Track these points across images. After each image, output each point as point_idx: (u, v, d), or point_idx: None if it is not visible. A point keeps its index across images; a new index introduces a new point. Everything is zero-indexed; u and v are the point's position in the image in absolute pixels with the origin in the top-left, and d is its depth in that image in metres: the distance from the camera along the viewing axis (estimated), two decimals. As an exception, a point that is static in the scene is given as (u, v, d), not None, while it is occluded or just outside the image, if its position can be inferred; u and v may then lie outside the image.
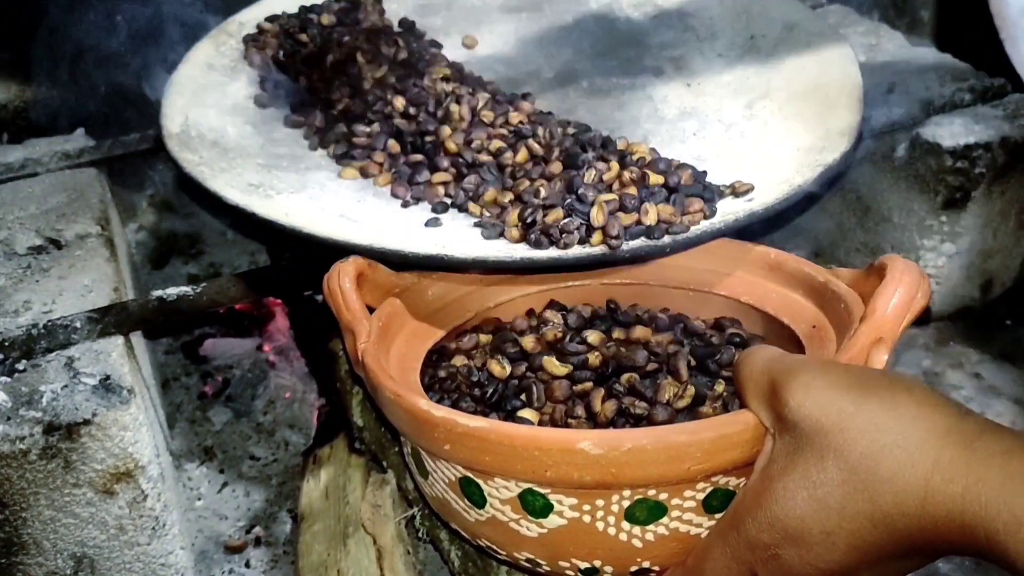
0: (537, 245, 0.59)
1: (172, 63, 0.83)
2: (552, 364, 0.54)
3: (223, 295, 0.65)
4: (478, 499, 0.49)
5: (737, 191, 0.63)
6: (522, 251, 0.59)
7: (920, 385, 0.41)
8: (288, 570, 0.68)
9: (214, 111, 0.77)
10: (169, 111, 0.75)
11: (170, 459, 0.71)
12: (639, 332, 0.58)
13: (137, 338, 0.69)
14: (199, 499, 0.74)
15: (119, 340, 0.61)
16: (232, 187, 0.66)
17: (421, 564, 0.65)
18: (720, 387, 0.53)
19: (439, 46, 0.86)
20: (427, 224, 0.64)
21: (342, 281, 0.57)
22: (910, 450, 0.38)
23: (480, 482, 0.48)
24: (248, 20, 0.88)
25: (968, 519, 0.37)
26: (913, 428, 0.39)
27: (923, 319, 0.85)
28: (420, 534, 0.64)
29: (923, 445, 0.38)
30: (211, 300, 0.65)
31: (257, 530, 0.71)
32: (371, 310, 0.59)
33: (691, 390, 0.52)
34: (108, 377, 0.58)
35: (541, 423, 0.52)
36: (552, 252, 0.59)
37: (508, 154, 0.67)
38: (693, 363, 0.55)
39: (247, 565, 0.69)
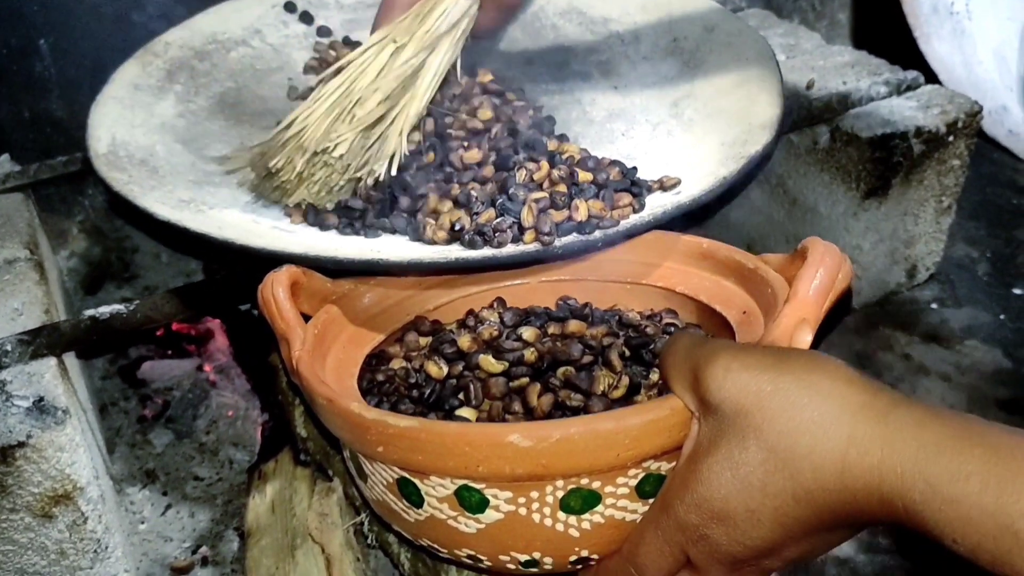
0: (471, 245, 0.60)
1: (97, 85, 0.82)
2: (488, 362, 0.55)
3: (157, 312, 0.64)
4: (416, 499, 0.49)
5: (665, 185, 0.65)
6: (457, 252, 0.60)
7: (835, 362, 0.42)
8: (237, 588, 0.68)
9: (142, 130, 0.76)
10: (95, 131, 0.74)
11: (110, 482, 0.70)
12: (573, 326, 0.59)
13: (71, 360, 0.68)
14: (142, 523, 0.73)
15: (52, 361, 0.60)
16: (163, 204, 0.65)
17: (372, 572, 0.64)
18: (655, 376, 0.54)
19: None
20: (362, 231, 0.64)
21: (275, 290, 0.56)
22: (826, 426, 0.39)
23: (416, 482, 0.48)
24: (174, 40, 0.87)
25: (886, 490, 0.37)
26: (828, 404, 0.40)
27: (847, 305, 0.87)
28: (369, 540, 0.64)
29: (838, 420, 0.39)
30: (145, 317, 0.64)
31: (204, 550, 0.70)
32: (308, 319, 0.59)
33: (625, 380, 0.52)
34: (42, 399, 0.57)
35: (479, 420, 0.53)
36: (486, 251, 0.59)
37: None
38: (627, 354, 0.55)
39: (194, 585, 0.68)
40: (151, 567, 0.69)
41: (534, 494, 0.47)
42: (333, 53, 0.89)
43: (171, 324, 0.85)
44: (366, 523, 0.63)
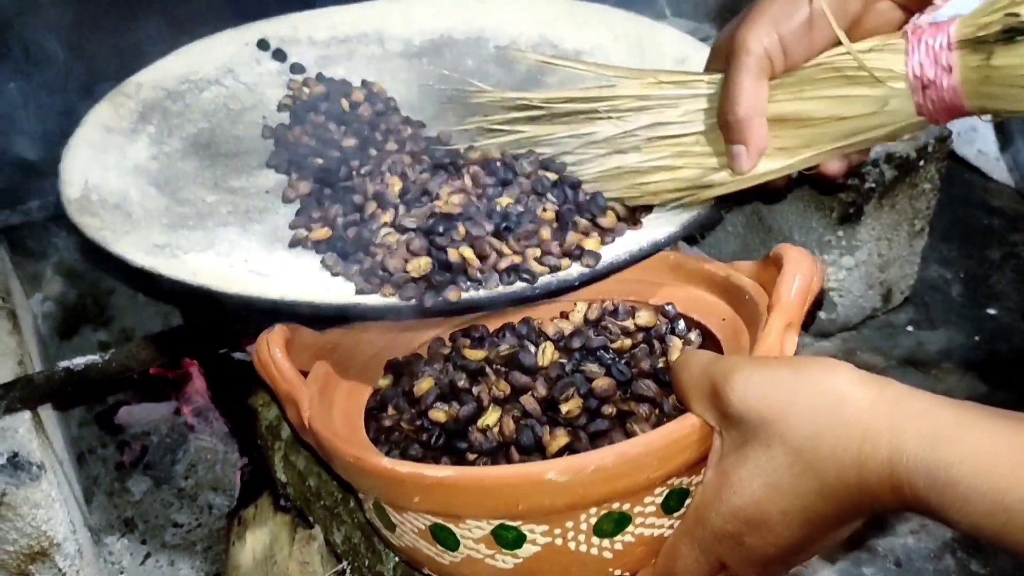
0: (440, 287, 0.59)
1: (69, 129, 0.81)
2: (491, 416, 0.55)
3: (134, 359, 0.64)
4: (451, 543, 0.50)
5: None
6: (432, 296, 0.60)
7: (844, 366, 0.45)
8: (219, 637, 0.67)
9: (115, 173, 0.76)
10: (68, 176, 0.73)
11: (88, 535, 0.69)
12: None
13: (47, 411, 0.67)
14: (121, 572, 0.72)
15: (26, 415, 0.60)
16: (137, 249, 0.64)
17: (356, 618, 0.64)
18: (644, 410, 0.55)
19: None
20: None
21: (272, 351, 0.56)
22: (843, 427, 0.42)
23: (451, 526, 0.49)
24: (146, 81, 0.87)
25: (895, 480, 0.41)
26: (842, 407, 0.43)
27: (819, 306, 0.89)
28: (352, 587, 0.63)
29: (853, 421, 0.42)
30: (121, 366, 0.63)
31: (184, 599, 0.70)
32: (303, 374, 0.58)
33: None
34: (16, 454, 0.56)
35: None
36: (479, 293, 0.59)
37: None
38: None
39: (176, 636, 0.67)
40: (131, 618, 0.69)
41: (569, 524, 0.48)
42: (307, 90, 0.89)
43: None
44: (348, 571, 0.62)
